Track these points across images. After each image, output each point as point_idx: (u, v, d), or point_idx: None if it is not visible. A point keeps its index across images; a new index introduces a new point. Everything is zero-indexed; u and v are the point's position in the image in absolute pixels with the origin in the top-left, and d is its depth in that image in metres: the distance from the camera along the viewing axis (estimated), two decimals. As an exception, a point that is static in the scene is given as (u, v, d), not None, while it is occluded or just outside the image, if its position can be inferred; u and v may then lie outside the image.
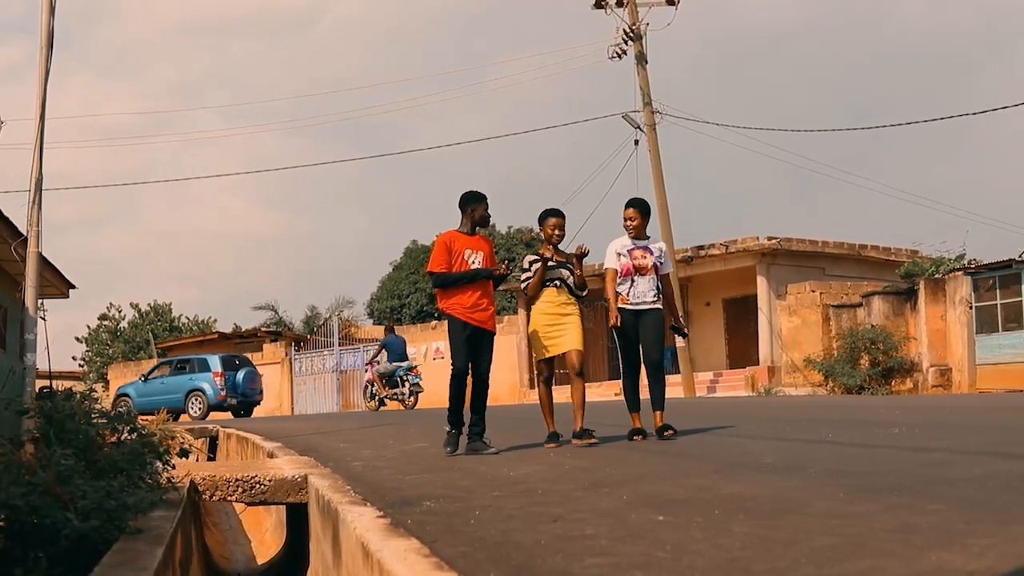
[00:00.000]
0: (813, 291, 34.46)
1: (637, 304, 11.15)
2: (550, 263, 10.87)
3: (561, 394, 11.27)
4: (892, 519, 4.85)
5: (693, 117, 63.11)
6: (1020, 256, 29.11)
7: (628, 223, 11.35)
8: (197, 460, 16.19)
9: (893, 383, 31.24)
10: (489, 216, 10.86)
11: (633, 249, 11.27)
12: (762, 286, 36.36)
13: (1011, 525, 4.52)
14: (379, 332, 52.24)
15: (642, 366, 11.22)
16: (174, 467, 8.03)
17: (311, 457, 11.02)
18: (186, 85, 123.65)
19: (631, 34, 37.73)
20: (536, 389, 14.84)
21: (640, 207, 11.42)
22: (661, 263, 11.36)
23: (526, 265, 11.10)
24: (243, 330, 57.27)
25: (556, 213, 11.14)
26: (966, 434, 10.25)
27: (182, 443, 8.06)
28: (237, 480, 8.96)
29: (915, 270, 33.59)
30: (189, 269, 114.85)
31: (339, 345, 48.93)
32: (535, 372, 11.44)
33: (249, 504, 9.42)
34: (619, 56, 38.10)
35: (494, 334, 10.84)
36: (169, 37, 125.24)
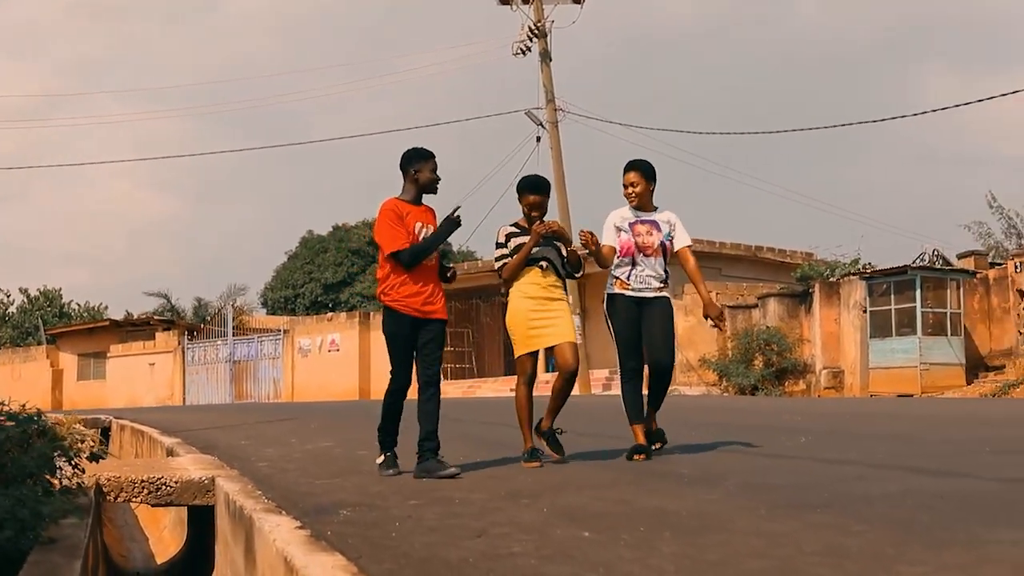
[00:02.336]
0: (709, 291, 34.69)
1: (640, 290, 9.24)
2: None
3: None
4: (818, 540, 4.86)
5: (595, 116, 63.57)
6: (914, 263, 29.57)
7: (629, 190, 9.31)
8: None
9: (786, 384, 31.61)
10: (438, 179, 8.71)
11: (636, 223, 9.28)
12: (659, 285, 36.51)
13: (939, 550, 4.54)
14: (274, 322, 51.94)
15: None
16: (84, 471, 7.87)
17: (214, 456, 10.85)
18: (82, 66, 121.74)
19: (536, 31, 37.89)
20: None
21: (644, 169, 9.37)
22: (672, 239, 9.43)
23: (501, 239, 9.04)
24: (135, 317, 56.54)
25: (538, 188, 9.08)
26: (873, 445, 10.35)
27: (92, 446, 7.85)
28: (143, 481, 8.79)
29: (810, 273, 34.02)
30: (79, 253, 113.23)
31: (233, 335, 48.51)
32: (517, 372, 9.00)
33: (154, 505, 9.26)
34: (523, 53, 38.26)
35: (446, 322, 8.78)
36: (65, 16, 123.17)
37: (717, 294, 34.61)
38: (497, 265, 9.06)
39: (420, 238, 8.50)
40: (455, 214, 8.59)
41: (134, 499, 8.88)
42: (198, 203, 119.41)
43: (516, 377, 8.97)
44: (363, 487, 7.72)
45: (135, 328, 54.22)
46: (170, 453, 12.08)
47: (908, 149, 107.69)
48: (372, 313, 47.05)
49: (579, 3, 38.01)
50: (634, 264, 9.22)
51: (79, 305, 70.83)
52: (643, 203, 9.31)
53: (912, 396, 27.20)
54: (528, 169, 42.35)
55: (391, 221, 8.49)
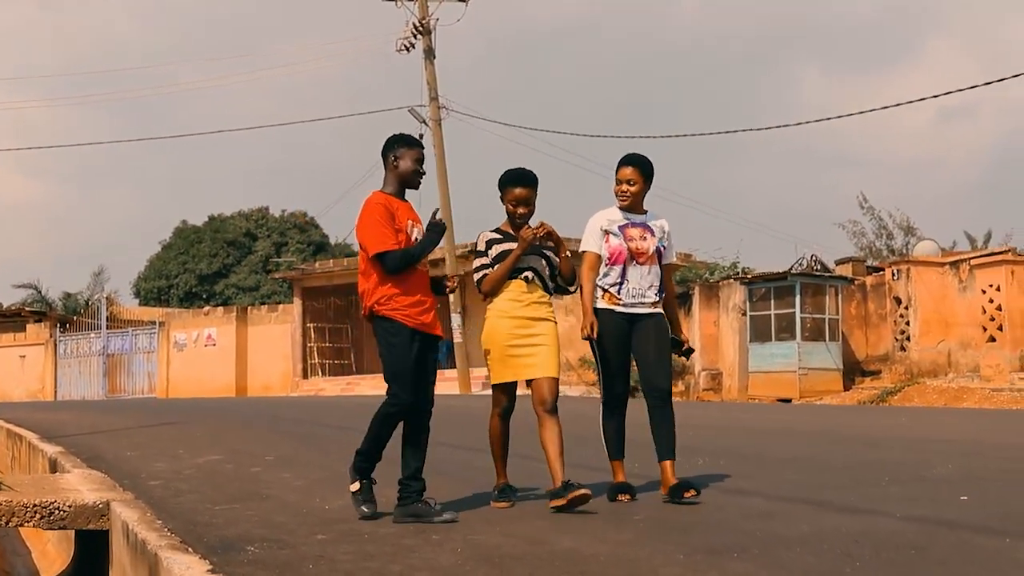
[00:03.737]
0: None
1: (632, 305, 8.16)
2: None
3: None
4: (745, 595, 4.85)
5: (478, 115, 63.36)
6: (792, 268, 29.97)
7: (624, 187, 8.18)
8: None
9: (666, 385, 31.80)
10: (421, 172, 7.62)
11: (628, 226, 8.18)
12: (540, 285, 36.57)
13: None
14: (149, 314, 51.13)
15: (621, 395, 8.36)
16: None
17: (102, 470, 10.60)
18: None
19: (420, 28, 37.76)
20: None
21: (641, 165, 8.21)
22: (665, 247, 8.31)
23: (482, 246, 8.02)
24: (4, 308, 55.27)
25: (525, 180, 7.95)
26: (772, 471, 10.30)
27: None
28: (35, 506, 8.51)
29: (689, 275, 34.34)
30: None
31: (107, 327, 47.66)
32: (492, 402, 8.08)
33: (47, 529, 9.01)
34: (407, 49, 38.12)
35: (441, 340, 7.84)
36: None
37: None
38: (476, 277, 7.97)
39: (414, 239, 7.46)
40: (437, 218, 7.59)
41: (26, 523, 8.63)
42: (68, 190, 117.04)
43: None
44: (265, 516, 7.59)
45: (5, 319, 52.95)
46: (54, 465, 11.76)
47: (783, 150, 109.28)
48: (249, 308, 46.58)
49: (464, 1, 38.03)
50: (624, 274, 8.14)
51: (-56, 295, 69.22)
52: (635, 204, 8.23)
53: (791, 400, 27.59)
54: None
55: (380, 218, 7.37)
